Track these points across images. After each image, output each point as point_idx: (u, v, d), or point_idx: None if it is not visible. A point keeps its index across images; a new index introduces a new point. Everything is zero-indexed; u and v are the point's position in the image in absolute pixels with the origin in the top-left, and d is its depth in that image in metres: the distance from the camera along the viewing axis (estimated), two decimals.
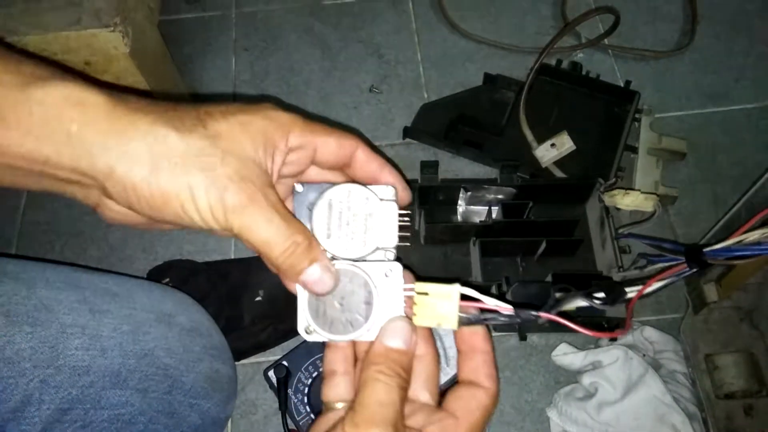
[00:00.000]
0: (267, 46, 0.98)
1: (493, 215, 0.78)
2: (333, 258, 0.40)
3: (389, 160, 0.44)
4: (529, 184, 0.77)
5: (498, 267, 0.77)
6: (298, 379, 0.69)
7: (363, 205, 0.39)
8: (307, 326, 0.39)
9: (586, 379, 0.67)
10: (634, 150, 0.83)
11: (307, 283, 0.37)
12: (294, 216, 0.38)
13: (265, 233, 0.36)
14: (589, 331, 0.40)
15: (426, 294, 0.38)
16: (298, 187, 0.41)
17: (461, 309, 0.37)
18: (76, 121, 0.33)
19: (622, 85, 0.88)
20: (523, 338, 0.73)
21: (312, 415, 0.67)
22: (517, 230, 0.76)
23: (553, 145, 0.81)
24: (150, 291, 0.61)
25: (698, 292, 0.69)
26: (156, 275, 0.77)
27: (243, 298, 0.76)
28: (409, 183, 0.46)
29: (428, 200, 0.79)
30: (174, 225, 0.37)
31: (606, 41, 0.95)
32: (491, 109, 0.88)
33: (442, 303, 0.38)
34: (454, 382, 0.40)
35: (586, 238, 0.78)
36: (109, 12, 0.62)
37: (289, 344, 0.75)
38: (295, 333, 0.75)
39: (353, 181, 0.42)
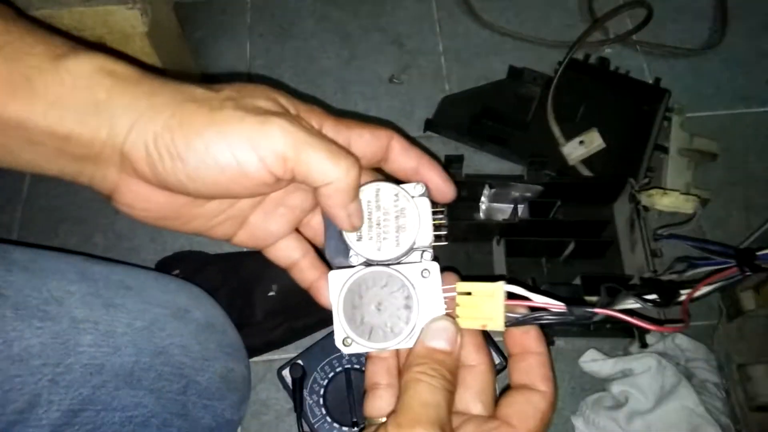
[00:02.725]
0: (283, 32, 0.95)
1: (518, 214, 0.75)
2: (367, 263, 0.37)
3: (427, 152, 0.41)
4: (558, 182, 0.74)
5: (522, 268, 0.74)
6: (314, 380, 0.66)
7: (393, 203, 0.37)
8: (345, 337, 0.36)
9: (616, 388, 0.64)
10: (664, 150, 0.80)
11: (352, 213, 0.36)
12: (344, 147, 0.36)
13: (326, 169, 0.33)
14: (653, 325, 0.37)
15: (469, 294, 0.36)
16: None
17: (508, 308, 0.35)
18: (105, 90, 0.32)
19: (651, 82, 0.85)
20: (551, 343, 0.70)
21: (328, 418, 0.64)
22: (542, 230, 0.73)
23: (581, 142, 0.78)
24: (164, 284, 0.58)
25: (734, 299, 0.67)
26: (165, 266, 0.73)
27: (255, 292, 0.73)
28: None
29: None
30: (202, 186, 0.33)
31: (634, 37, 0.92)
32: (516, 104, 0.85)
33: (487, 302, 0.35)
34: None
35: (614, 240, 0.75)
36: None
37: (303, 342, 0.71)
38: (310, 331, 0.73)
39: (380, 179, 0.39)
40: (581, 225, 0.72)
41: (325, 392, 0.65)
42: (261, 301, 0.73)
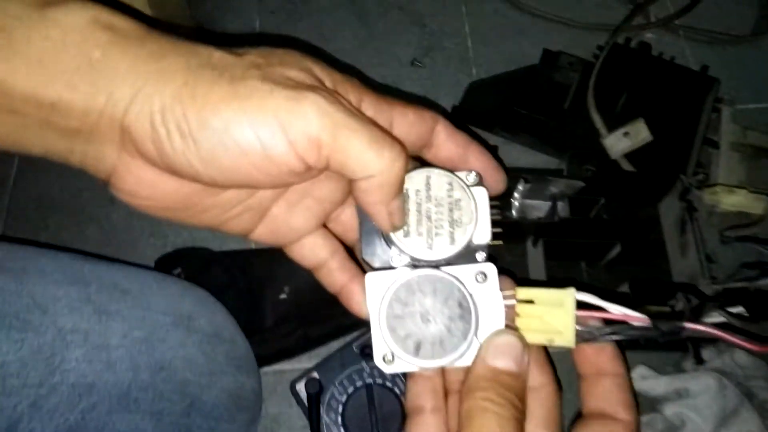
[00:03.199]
0: (296, 9, 0.87)
1: (558, 212, 0.68)
2: (413, 263, 0.33)
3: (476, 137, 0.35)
4: (601, 177, 0.67)
5: (560, 272, 0.67)
6: (332, 396, 0.59)
7: (446, 192, 0.33)
8: (387, 353, 0.31)
9: (670, 409, 0.58)
10: (714, 144, 0.74)
11: (394, 212, 0.31)
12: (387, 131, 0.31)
13: (366, 159, 0.28)
14: (760, 345, 0.32)
15: (531, 302, 0.32)
16: None
17: (579, 320, 0.31)
18: (101, 47, 0.26)
19: (696, 70, 0.78)
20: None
21: None
22: (585, 230, 0.66)
23: (626, 134, 0.71)
24: (165, 287, 0.50)
25: None
26: (165, 265, 0.66)
27: (265, 294, 0.66)
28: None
29: None
30: (218, 171, 0.28)
31: (677, 22, 0.84)
32: (551, 91, 0.78)
33: (553, 313, 0.31)
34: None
35: (659, 242, 0.68)
36: None
37: (319, 352, 0.64)
38: (326, 339, 0.66)
39: (430, 164, 0.34)
40: (628, 225, 0.65)
41: (344, 410, 0.58)
42: (271, 304, 0.66)
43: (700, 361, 0.60)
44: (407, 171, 0.33)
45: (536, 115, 0.76)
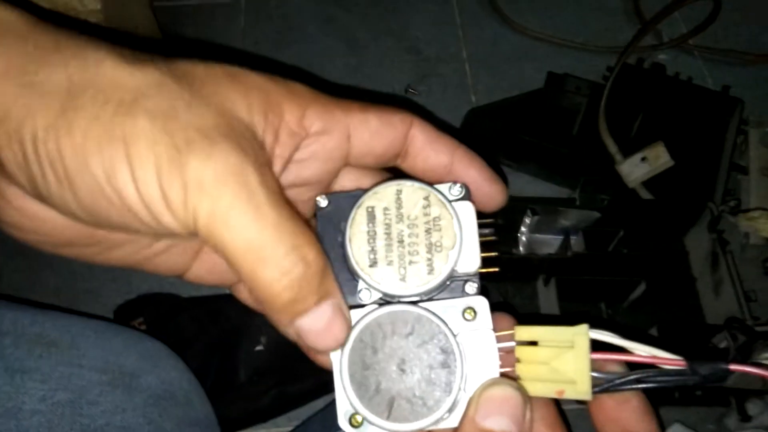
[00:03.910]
0: (281, 38, 0.82)
1: (571, 247, 0.60)
2: (384, 299, 0.26)
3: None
4: (619, 206, 0.59)
5: (576, 315, 0.59)
6: None
7: (422, 209, 0.26)
8: (353, 414, 0.25)
9: None
10: (742, 169, 0.66)
11: (306, 333, 0.23)
12: (302, 219, 0.23)
13: (254, 233, 0.21)
14: None
15: (534, 344, 0.26)
16: (322, 201, 0.27)
17: (595, 365, 0.25)
18: None
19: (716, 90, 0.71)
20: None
21: None
22: (602, 266, 0.58)
23: (644, 159, 0.64)
24: (106, 338, 0.42)
25: None
26: (125, 314, 0.59)
27: (239, 346, 0.58)
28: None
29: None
30: (105, 223, 0.23)
31: (692, 41, 0.78)
32: (557, 116, 0.71)
33: (563, 357, 0.25)
34: None
35: (688, 279, 0.60)
36: None
37: (299, 413, 0.55)
38: (307, 398, 0.57)
39: (402, 176, 0.28)
40: (651, 260, 0.57)
41: None
42: (246, 357, 0.58)
43: (745, 417, 0.51)
44: (371, 183, 0.27)
45: (543, 142, 0.69)
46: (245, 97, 0.23)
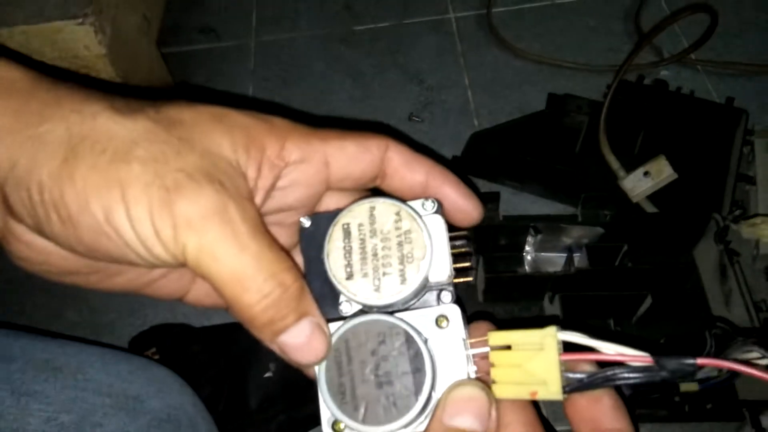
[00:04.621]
0: (289, 76, 0.85)
1: (574, 263, 0.60)
2: (363, 310, 0.28)
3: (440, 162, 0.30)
4: (622, 221, 0.59)
5: (583, 331, 0.58)
6: None
7: (394, 224, 0.28)
8: (335, 421, 0.26)
9: None
10: (749, 180, 0.65)
11: (288, 348, 0.25)
12: (281, 247, 0.26)
13: (236, 264, 0.24)
14: None
15: (507, 348, 0.27)
16: (305, 222, 0.29)
17: (566, 366, 0.26)
18: None
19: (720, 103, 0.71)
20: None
21: None
22: (608, 281, 0.58)
23: (646, 173, 0.64)
24: (113, 364, 0.44)
25: None
26: (139, 345, 0.60)
27: (249, 373, 0.59)
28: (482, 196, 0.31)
29: (487, 245, 0.62)
30: (105, 257, 0.25)
31: (693, 56, 0.78)
32: (559, 136, 0.71)
33: (534, 359, 0.26)
34: None
35: (697, 292, 0.59)
36: (79, 2, 0.49)
37: None
38: (316, 422, 0.57)
39: (375, 194, 0.30)
40: (657, 273, 0.56)
41: None
42: (256, 384, 0.59)
43: (760, 430, 0.49)
44: (346, 202, 0.29)
45: (546, 162, 0.69)
46: (229, 136, 0.26)
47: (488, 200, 0.60)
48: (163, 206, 0.23)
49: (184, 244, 0.23)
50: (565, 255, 0.61)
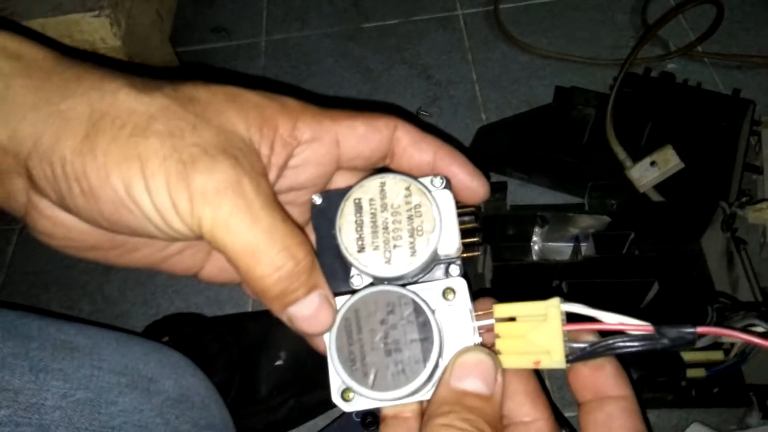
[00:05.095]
0: (299, 72, 0.86)
1: (582, 252, 0.60)
2: (374, 283, 0.28)
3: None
4: (628, 210, 0.60)
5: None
6: None
7: (404, 199, 0.28)
8: (345, 389, 0.27)
9: None
10: (756, 170, 0.65)
11: (296, 319, 0.26)
12: (294, 222, 0.26)
13: (250, 236, 0.24)
14: None
15: (512, 320, 0.27)
16: (316, 199, 0.30)
17: (569, 336, 0.26)
18: (4, 78, 0.25)
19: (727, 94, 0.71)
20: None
21: None
22: (614, 268, 0.58)
23: (653, 163, 0.64)
24: (128, 346, 0.45)
25: None
26: (153, 333, 0.61)
27: (260, 362, 0.60)
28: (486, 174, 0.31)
29: (495, 235, 0.62)
30: (125, 230, 0.26)
31: (700, 48, 0.79)
32: (567, 129, 0.72)
33: (538, 330, 0.26)
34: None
35: (704, 279, 0.59)
36: None
37: (317, 422, 0.57)
38: (325, 408, 0.58)
39: (385, 170, 0.31)
40: (665, 260, 0.57)
41: None
42: (266, 372, 0.59)
43: (767, 414, 0.49)
44: (357, 180, 0.29)
45: (552, 153, 0.70)
46: (243, 114, 0.26)
47: (496, 190, 0.60)
48: (180, 180, 0.24)
49: (199, 216, 0.24)
50: (572, 244, 0.62)
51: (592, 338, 0.27)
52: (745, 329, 0.28)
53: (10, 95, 0.25)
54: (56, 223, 0.27)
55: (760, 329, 0.29)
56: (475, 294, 0.29)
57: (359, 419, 0.53)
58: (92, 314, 0.67)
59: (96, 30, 0.51)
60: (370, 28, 0.90)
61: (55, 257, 0.71)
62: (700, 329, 0.26)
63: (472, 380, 0.25)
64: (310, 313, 0.26)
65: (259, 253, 0.24)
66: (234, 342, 0.61)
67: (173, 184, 0.24)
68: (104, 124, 0.24)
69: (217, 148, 0.25)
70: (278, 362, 0.59)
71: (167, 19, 0.69)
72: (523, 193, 0.70)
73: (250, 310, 0.65)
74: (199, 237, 0.25)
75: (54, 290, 0.69)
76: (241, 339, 0.61)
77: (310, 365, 0.58)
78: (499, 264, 0.60)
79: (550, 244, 0.64)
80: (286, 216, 0.26)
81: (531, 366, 0.26)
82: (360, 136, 0.28)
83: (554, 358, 0.26)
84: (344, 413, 0.53)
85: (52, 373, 0.39)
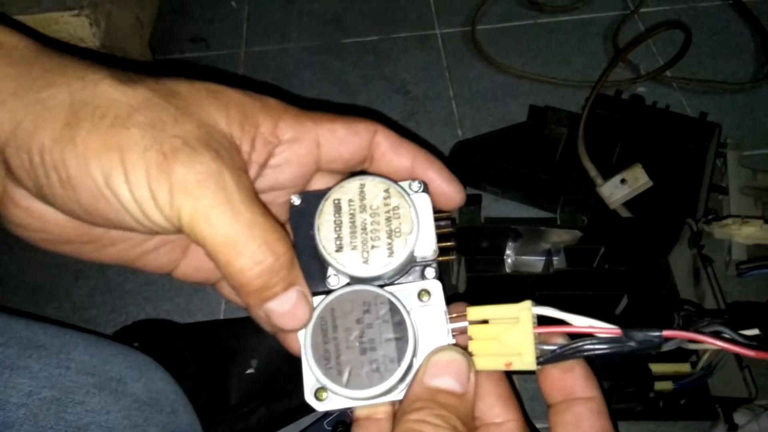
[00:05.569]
0: (279, 84, 0.86)
1: (554, 266, 0.61)
2: (351, 280, 0.29)
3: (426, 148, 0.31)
4: (599, 225, 0.61)
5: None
6: None
7: (383, 200, 0.29)
8: (318, 388, 0.27)
9: None
10: (722, 190, 0.67)
11: (274, 314, 0.26)
12: (274, 217, 0.26)
13: (230, 229, 0.24)
14: (755, 351, 0.26)
15: (485, 322, 0.28)
16: (295, 199, 0.30)
17: (540, 338, 0.27)
18: None
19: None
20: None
21: None
22: (585, 281, 0.59)
23: (623, 181, 0.66)
24: (97, 347, 0.44)
25: None
26: (122, 338, 0.60)
27: (231, 369, 0.59)
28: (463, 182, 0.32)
29: (469, 247, 0.63)
30: (103, 221, 0.26)
31: (668, 73, 0.81)
32: (540, 146, 0.73)
33: (510, 332, 0.27)
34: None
35: (671, 294, 0.61)
36: None
37: (288, 430, 0.56)
38: (296, 415, 0.57)
39: (364, 173, 0.31)
40: (634, 275, 0.58)
41: None
42: (237, 380, 0.59)
43: (732, 426, 0.50)
44: (336, 181, 0.30)
45: (526, 170, 0.71)
46: (224, 110, 0.27)
47: (471, 202, 0.61)
48: (160, 171, 0.24)
49: (179, 208, 0.24)
50: (544, 258, 0.63)
51: (562, 341, 0.27)
52: (708, 332, 0.28)
53: None
54: (32, 215, 0.27)
55: (724, 336, 0.30)
56: (449, 299, 0.30)
57: (330, 428, 0.52)
58: (59, 319, 0.65)
59: (75, 30, 0.50)
60: (350, 44, 0.91)
61: (22, 261, 0.70)
62: (666, 333, 0.27)
63: (446, 378, 0.26)
64: (288, 309, 0.26)
65: (240, 245, 0.24)
66: (205, 349, 0.60)
67: (153, 175, 0.24)
68: (85, 113, 0.24)
69: (198, 140, 0.25)
70: (249, 370, 0.59)
71: (147, 26, 0.69)
72: (497, 207, 0.71)
73: (221, 317, 0.65)
74: (178, 230, 0.25)
75: (21, 294, 0.68)
76: (212, 346, 0.60)
77: (282, 374, 0.58)
78: (472, 275, 0.61)
79: (523, 257, 0.65)
80: (267, 211, 0.26)
81: (503, 368, 0.27)
82: (340, 138, 0.29)
83: (525, 360, 0.27)
84: (315, 422, 0.53)
85: (18, 370, 0.38)
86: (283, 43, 0.92)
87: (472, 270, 0.62)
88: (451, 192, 0.31)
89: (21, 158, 0.24)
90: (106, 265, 0.30)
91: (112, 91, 0.25)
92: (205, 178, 0.24)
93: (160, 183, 0.24)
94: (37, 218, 0.27)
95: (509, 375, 0.30)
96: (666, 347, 0.28)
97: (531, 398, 0.57)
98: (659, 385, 0.52)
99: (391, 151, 0.30)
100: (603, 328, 0.27)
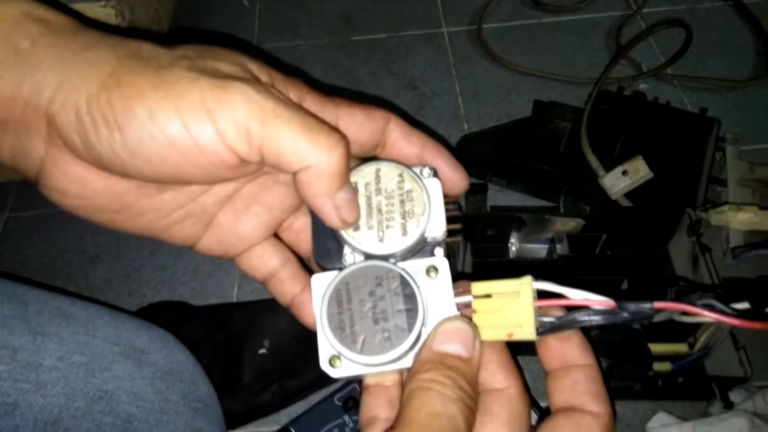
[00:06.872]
0: None
1: (557, 253, 0.63)
2: (365, 258, 0.31)
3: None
4: (601, 213, 0.63)
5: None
6: None
7: (397, 184, 0.31)
8: (333, 355, 0.29)
9: None
10: (721, 183, 0.70)
11: (344, 203, 0.28)
12: (332, 126, 0.28)
13: (306, 121, 0.26)
14: (744, 320, 0.27)
15: (488, 296, 0.29)
16: None
17: (539, 311, 0.29)
18: (30, 37, 0.26)
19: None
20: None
21: None
22: (587, 267, 0.61)
23: (625, 172, 0.68)
24: (120, 320, 0.46)
25: None
26: None
27: (244, 349, 0.61)
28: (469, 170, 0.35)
29: (475, 235, 0.65)
30: (145, 163, 0.26)
31: (670, 71, 0.83)
32: (544, 140, 0.76)
33: (512, 305, 0.29)
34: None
35: (672, 281, 0.63)
36: None
37: (298, 408, 0.58)
38: (306, 392, 0.60)
39: (375, 158, 0.33)
40: (634, 261, 0.60)
41: None
42: (250, 360, 0.61)
43: (728, 404, 0.52)
44: (352, 165, 0.31)
45: (531, 162, 0.73)
46: (252, 70, 0.28)
47: (477, 191, 0.63)
48: (217, 102, 0.25)
49: (246, 127, 0.25)
50: (548, 246, 0.65)
51: (559, 313, 0.29)
52: (699, 305, 0.30)
53: (34, 52, 0.26)
54: (71, 179, 0.28)
55: (715, 308, 0.31)
56: (455, 277, 0.32)
57: (340, 404, 0.55)
58: None
59: (100, 19, 0.53)
60: (359, 41, 0.93)
61: (41, 245, 0.72)
62: (657, 304, 0.28)
63: (453, 344, 0.27)
64: (352, 197, 0.29)
65: (318, 128, 0.26)
66: (219, 330, 0.62)
67: (210, 105, 0.25)
68: (130, 62, 0.26)
69: (244, 77, 0.27)
70: (262, 350, 0.61)
71: (165, 20, 0.72)
72: (502, 198, 0.73)
73: (234, 300, 0.67)
74: (243, 160, 0.26)
75: (39, 277, 0.70)
76: (226, 327, 0.62)
77: (293, 354, 0.60)
78: (478, 261, 0.63)
79: (527, 245, 0.67)
80: (325, 122, 0.28)
81: (505, 338, 0.29)
82: (359, 122, 0.30)
83: (526, 331, 0.28)
84: (326, 398, 0.55)
85: (49, 336, 0.40)
86: (293, 40, 0.94)
87: (478, 256, 0.64)
88: (457, 178, 0.32)
89: (67, 113, 0.25)
90: (135, 235, 0.32)
91: (155, 48, 0.27)
92: (261, 97, 0.25)
93: (218, 113, 0.25)
94: (75, 184, 0.28)
95: (510, 345, 0.32)
96: (658, 318, 0.29)
97: (532, 379, 0.59)
98: (658, 366, 0.54)
99: (403, 139, 0.31)
100: (597, 301, 0.28)
